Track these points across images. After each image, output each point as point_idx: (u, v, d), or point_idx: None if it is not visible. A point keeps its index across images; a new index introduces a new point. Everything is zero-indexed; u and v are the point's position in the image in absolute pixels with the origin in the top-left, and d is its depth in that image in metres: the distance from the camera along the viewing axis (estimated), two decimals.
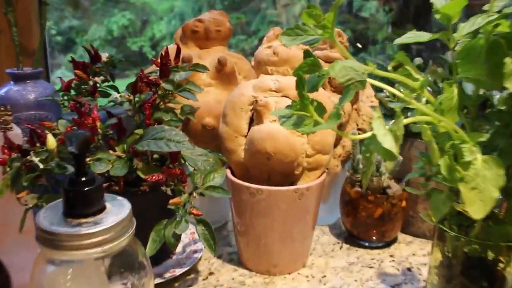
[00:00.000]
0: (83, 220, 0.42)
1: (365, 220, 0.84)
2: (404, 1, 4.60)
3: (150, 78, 0.65)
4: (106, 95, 0.78)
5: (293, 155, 0.69)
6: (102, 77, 0.79)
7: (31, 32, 1.01)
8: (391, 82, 0.65)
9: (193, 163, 0.63)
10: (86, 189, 0.42)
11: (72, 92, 0.76)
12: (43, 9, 0.88)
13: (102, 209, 0.44)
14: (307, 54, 0.39)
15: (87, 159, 0.60)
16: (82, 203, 0.43)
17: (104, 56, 0.81)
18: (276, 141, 0.68)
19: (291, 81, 0.73)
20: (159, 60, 0.67)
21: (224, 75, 0.83)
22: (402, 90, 0.45)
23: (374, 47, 5.11)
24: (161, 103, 0.72)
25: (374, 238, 0.85)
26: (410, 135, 0.87)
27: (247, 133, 0.73)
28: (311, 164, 0.73)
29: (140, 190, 0.67)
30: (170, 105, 0.74)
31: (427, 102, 0.47)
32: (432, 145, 0.46)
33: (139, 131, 0.64)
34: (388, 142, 0.34)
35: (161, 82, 0.66)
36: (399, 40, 0.47)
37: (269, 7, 5.92)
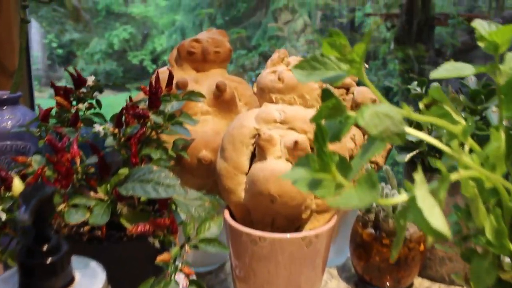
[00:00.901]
0: None
1: (378, 265, 0.75)
2: (407, 18, 4.56)
3: (137, 110, 0.56)
4: (92, 123, 0.70)
5: (300, 197, 0.61)
6: (86, 104, 0.71)
7: (13, 52, 0.92)
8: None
9: (186, 210, 0.54)
10: (48, 261, 0.34)
11: (53, 120, 0.68)
12: (22, 27, 0.80)
13: (69, 282, 0.36)
14: (326, 94, 0.31)
15: (62, 206, 0.51)
16: (43, 278, 0.34)
17: (90, 79, 0.73)
18: (281, 182, 0.60)
19: (299, 111, 0.65)
20: (148, 88, 0.59)
21: (223, 102, 0.74)
22: (442, 137, 0.36)
23: (374, 62, 5.07)
24: (153, 133, 0.63)
25: (388, 284, 0.76)
26: (427, 169, 0.79)
27: (248, 170, 0.65)
28: (321, 206, 0.64)
29: (125, 236, 0.58)
30: (163, 136, 0.66)
31: (471, 150, 0.38)
32: (477, 205, 0.37)
33: (124, 171, 0.55)
34: (438, 220, 0.26)
35: (149, 114, 0.57)
36: (435, 74, 0.39)
37: (270, 22, 5.89)
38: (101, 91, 0.72)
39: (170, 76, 0.63)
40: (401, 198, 0.31)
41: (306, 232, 0.62)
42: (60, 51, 7.88)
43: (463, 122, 0.38)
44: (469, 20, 4.79)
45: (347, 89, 0.81)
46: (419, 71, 4.31)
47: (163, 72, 0.80)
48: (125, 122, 0.57)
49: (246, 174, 0.65)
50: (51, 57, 8.02)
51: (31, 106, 1.06)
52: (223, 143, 0.66)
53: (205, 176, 0.74)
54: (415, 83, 0.87)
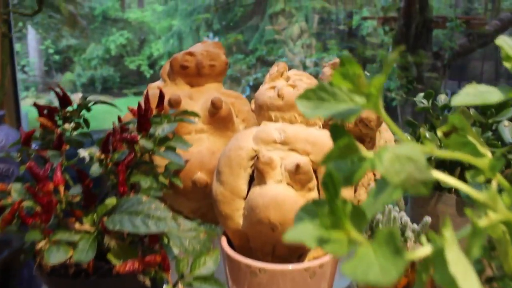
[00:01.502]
0: None
1: None
2: (405, 21, 4.53)
3: (124, 134, 0.51)
4: (79, 145, 0.66)
5: None
6: (73, 124, 0.66)
7: None
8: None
9: (179, 243, 0.49)
10: None
11: (37, 142, 0.64)
12: (3, 42, 0.75)
13: None
14: (336, 132, 0.26)
15: (42, 243, 0.47)
16: None
17: (77, 97, 0.68)
18: (282, 209, 0.55)
19: (300, 131, 0.61)
20: (136, 109, 0.54)
21: (219, 119, 0.70)
22: (470, 177, 0.32)
23: (372, 65, 5.04)
24: (145, 155, 0.59)
25: None
26: (436, 187, 0.74)
27: (247, 194, 0.60)
28: None
29: (114, 269, 0.54)
30: (155, 157, 0.62)
31: (499, 188, 0.34)
32: (507, 248, 0.33)
33: (111, 201, 0.51)
34: None
35: (138, 138, 0.52)
36: (457, 101, 0.34)
37: (267, 26, 5.86)
38: (88, 110, 0.68)
39: (161, 96, 0.59)
40: (424, 250, 0.27)
41: (309, 263, 0.57)
42: (57, 57, 7.84)
43: (489, 154, 0.34)
44: (467, 23, 4.76)
45: None
46: (418, 76, 4.27)
47: (155, 88, 0.75)
48: (112, 147, 0.53)
49: (245, 198, 0.60)
50: (48, 63, 7.97)
51: (18, 124, 1.01)
52: (219, 166, 0.61)
53: (201, 199, 0.69)
54: (421, 95, 0.83)
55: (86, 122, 0.68)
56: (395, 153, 0.24)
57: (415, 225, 0.69)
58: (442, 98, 0.80)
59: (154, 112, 0.58)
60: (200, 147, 0.68)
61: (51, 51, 7.71)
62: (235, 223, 0.61)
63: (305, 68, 5.42)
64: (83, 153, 0.53)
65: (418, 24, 4.43)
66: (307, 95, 0.27)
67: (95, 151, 0.54)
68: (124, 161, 0.51)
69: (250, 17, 6.33)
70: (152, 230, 0.46)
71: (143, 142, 0.52)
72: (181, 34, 6.91)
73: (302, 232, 0.24)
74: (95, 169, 0.51)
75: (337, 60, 0.79)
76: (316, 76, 0.74)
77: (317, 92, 0.27)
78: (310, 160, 0.59)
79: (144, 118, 0.53)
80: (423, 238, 0.29)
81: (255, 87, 5.96)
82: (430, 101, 0.81)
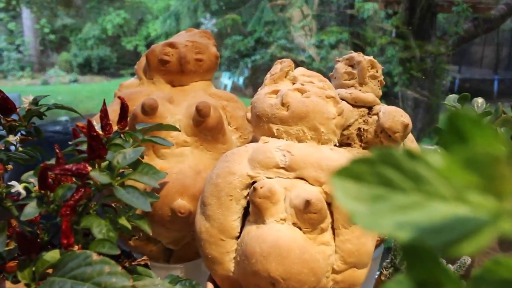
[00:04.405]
0: None
1: None
2: (409, 4, 4.37)
3: (67, 166, 0.37)
4: (27, 162, 0.52)
5: (313, 280, 0.42)
6: (18, 136, 0.52)
7: None
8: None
9: None
10: None
11: None
12: None
13: None
14: (415, 257, 0.13)
15: None
16: None
17: (26, 100, 0.54)
18: (286, 259, 0.41)
19: (310, 152, 0.46)
20: (86, 127, 0.39)
21: (207, 129, 0.55)
22: None
23: (372, 49, 4.88)
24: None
25: None
26: None
27: (240, 232, 0.46)
28: (340, 283, 0.46)
29: None
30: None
31: None
32: None
33: (53, 255, 0.37)
34: None
35: (89, 170, 0.38)
36: None
37: (266, 7, 5.68)
38: (40, 117, 0.53)
39: (123, 108, 0.44)
40: None
41: None
42: (52, 36, 7.67)
43: None
44: (473, 7, 4.60)
45: (369, 108, 0.63)
46: (421, 60, 4.13)
47: (129, 86, 0.61)
48: (56, 179, 0.39)
49: (237, 237, 0.47)
50: (44, 43, 7.80)
51: None
52: (204, 196, 0.47)
53: (183, 229, 0.56)
54: (452, 97, 0.68)
55: (38, 131, 0.54)
56: None
57: (449, 266, 0.56)
58: (479, 102, 0.66)
59: (115, 128, 0.43)
60: (181, 165, 0.54)
61: (46, 30, 7.55)
62: (224, 269, 0.47)
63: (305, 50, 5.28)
64: (18, 187, 0.39)
65: (422, 8, 4.26)
66: (354, 172, 0.13)
67: (35, 182, 0.40)
68: (69, 201, 0.37)
69: None
70: None
71: (96, 175, 0.38)
72: (178, 15, 6.74)
73: None
74: (30, 210, 0.37)
75: (353, 54, 0.65)
76: (322, 73, 0.60)
77: (378, 167, 0.13)
78: (323, 191, 0.45)
79: (97, 140, 0.38)
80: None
81: (253, 68, 5.82)
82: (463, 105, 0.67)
